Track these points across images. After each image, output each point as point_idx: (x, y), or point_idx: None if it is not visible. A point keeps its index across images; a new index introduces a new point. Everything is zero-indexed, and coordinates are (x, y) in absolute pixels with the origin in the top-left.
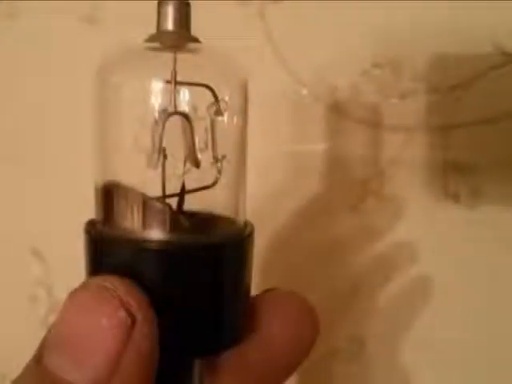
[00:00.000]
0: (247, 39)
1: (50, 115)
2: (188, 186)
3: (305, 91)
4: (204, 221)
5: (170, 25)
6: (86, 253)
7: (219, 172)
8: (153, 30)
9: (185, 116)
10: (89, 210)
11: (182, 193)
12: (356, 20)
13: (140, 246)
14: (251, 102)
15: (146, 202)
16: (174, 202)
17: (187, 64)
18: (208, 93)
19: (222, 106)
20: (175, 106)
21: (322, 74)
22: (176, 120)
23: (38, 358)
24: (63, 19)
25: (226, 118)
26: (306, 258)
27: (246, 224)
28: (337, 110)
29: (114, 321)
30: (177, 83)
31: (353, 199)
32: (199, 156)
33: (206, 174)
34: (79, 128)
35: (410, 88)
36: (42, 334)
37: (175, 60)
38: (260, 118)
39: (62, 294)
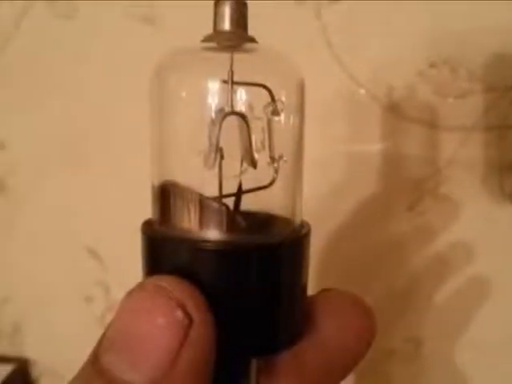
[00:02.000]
0: (304, 39)
1: (106, 115)
2: (245, 186)
3: (361, 91)
4: (261, 221)
5: (226, 25)
6: (143, 253)
7: (276, 172)
8: (210, 30)
9: (242, 116)
10: (146, 210)
11: (239, 193)
12: (413, 20)
13: (197, 246)
14: (308, 101)
15: (202, 202)
16: (230, 202)
17: (244, 64)
18: (265, 92)
19: (279, 105)
20: (232, 106)
21: (378, 74)
22: (233, 120)
23: (95, 358)
24: (121, 19)
25: (282, 117)
26: (362, 258)
27: (303, 224)
28: (393, 110)
29: (171, 321)
30: (234, 83)
31: (409, 199)
32: (256, 156)
33: (262, 173)
34: (137, 128)
35: (467, 88)
36: (98, 333)
37: (232, 60)
38: (317, 117)
39: (118, 294)
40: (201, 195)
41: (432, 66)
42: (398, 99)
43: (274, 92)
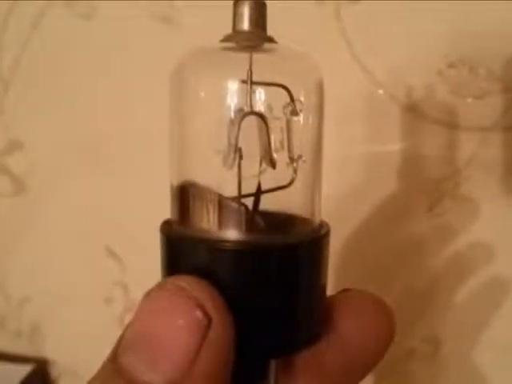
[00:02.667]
0: (323, 39)
1: (125, 115)
2: (264, 186)
3: (380, 91)
4: (280, 221)
5: (245, 25)
6: (162, 253)
7: (295, 172)
8: (229, 30)
9: (261, 116)
10: (165, 210)
11: (258, 193)
12: (431, 20)
13: (216, 246)
14: (327, 101)
15: (221, 202)
16: (249, 202)
17: (263, 64)
18: (284, 92)
19: (298, 105)
20: (251, 106)
21: (397, 74)
22: (252, 120)
23: (114, 358)
24: (140, 19)
25: (301, 117)
26: (381, 258)
27: (322, 224)
28: (412, 110)
29: (189, 321)
30: (253, 83)
31: (428, 199)
32: (275, 156)
33: (281, 173)
34: (155, 128)
35: (486, 88)
36: (117, 334)
37: (251, 60)
38: (336, 117)
39: (137, 295)
40: (220, 195)
41: (451, 65)
42: (417, 99)
43: (293, 92)
